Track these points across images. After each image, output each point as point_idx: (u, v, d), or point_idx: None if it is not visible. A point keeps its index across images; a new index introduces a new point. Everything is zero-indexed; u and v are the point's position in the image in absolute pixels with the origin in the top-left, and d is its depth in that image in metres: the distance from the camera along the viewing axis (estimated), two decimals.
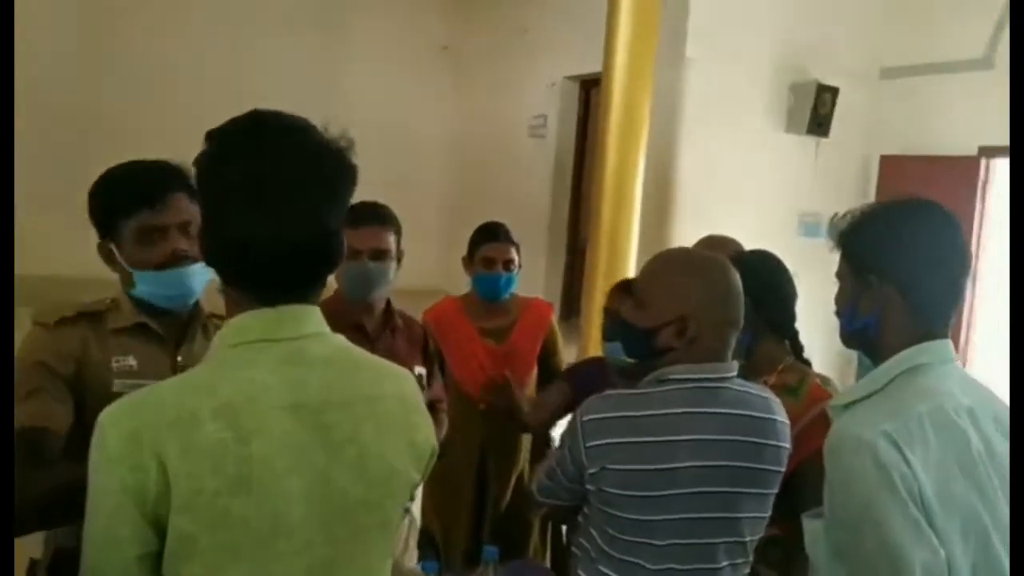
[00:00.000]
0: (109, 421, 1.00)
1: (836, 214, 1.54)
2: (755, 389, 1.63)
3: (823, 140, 6.69)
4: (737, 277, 1.60)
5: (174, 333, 1.71)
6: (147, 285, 1.64)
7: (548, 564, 2.75)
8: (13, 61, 1.20)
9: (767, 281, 2.01)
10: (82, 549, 1.01)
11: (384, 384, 1.15)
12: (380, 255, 2.25)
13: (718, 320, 1.56)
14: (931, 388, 1.39)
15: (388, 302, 2.37)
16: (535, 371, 2.87)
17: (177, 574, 1.00)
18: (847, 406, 1.43)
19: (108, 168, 1.68)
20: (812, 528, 1.45)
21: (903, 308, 1.41)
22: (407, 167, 8.47)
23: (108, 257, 1.66)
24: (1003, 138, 6.68)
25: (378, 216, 2.28)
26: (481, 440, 2.69)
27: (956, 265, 1.44)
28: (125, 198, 1.62)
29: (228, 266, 1.09)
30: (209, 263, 1.11)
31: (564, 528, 2.85)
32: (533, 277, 7.16)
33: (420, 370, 2.37)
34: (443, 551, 2.74)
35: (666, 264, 1.64)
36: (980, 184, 6.38)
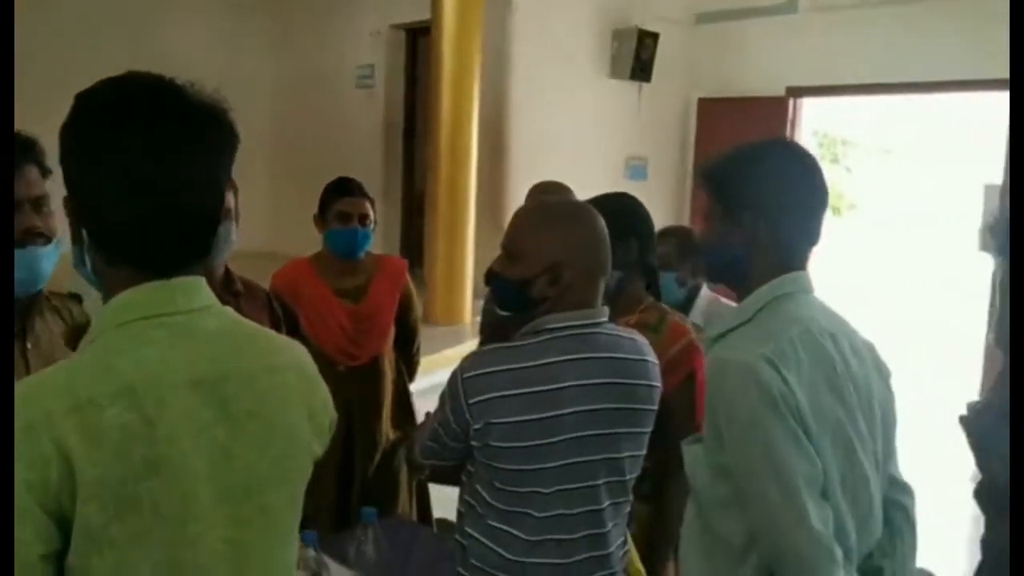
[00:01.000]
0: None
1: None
2: (625, 332, 1.68)
3: (646, 85, 6.91)
4: (603, 223, 1.63)
5: (18, 320, 1.55)
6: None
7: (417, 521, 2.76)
8: (13, 61, 1.12)
9: (632, 221, 2.06)
10: None
11: (281, 355, 1.11)
12: (225, 215, 2.15)
13: (589, 266, 1.59)
14: (798, 315, 1.48)
15: (227, 267, 2.26)
16: (393, 331, 2.83)
17: (87, 568, 0.93)
18: (719, 336, 1.51)
19: None
20: (692, 453, 1.52)
21: (770, 242, 1.49)
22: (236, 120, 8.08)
23: None
24: (808, 79, 7.15)
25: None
26: (344, 402, 2.63)
27: (817, 201, 1.52)
28: None
29: (117, 243, 1.01)
30: (92, 241, 1.02)
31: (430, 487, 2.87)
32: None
33: None
34: (312, 518, 2.68)
35: (534, 216, 1.64)
36: (789, 122, 6.82)
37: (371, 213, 2.70)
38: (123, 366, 0.95)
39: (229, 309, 1.09)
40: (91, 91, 1.00)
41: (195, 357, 1.00)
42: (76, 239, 1.05)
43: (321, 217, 2.69)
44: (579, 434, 1.54)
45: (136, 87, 1.00)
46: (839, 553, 1.36)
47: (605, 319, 1.62)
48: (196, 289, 1.04)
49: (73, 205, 1.02)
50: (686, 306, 2.91)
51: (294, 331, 2.56)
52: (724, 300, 2.76)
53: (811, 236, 1.52)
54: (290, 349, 1.14)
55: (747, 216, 1.49)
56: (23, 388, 0.95)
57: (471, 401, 1.51)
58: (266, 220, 8.88)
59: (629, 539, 1.76)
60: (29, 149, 1.49)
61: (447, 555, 2.05)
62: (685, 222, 7.39)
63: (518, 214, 1.66)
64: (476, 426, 1.52)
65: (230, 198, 2.13)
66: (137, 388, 0.94)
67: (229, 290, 2.24)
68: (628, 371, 1.60)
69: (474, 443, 1.54)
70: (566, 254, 1.56)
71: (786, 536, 1.36)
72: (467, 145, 5.55)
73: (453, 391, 1.54)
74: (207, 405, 0.99)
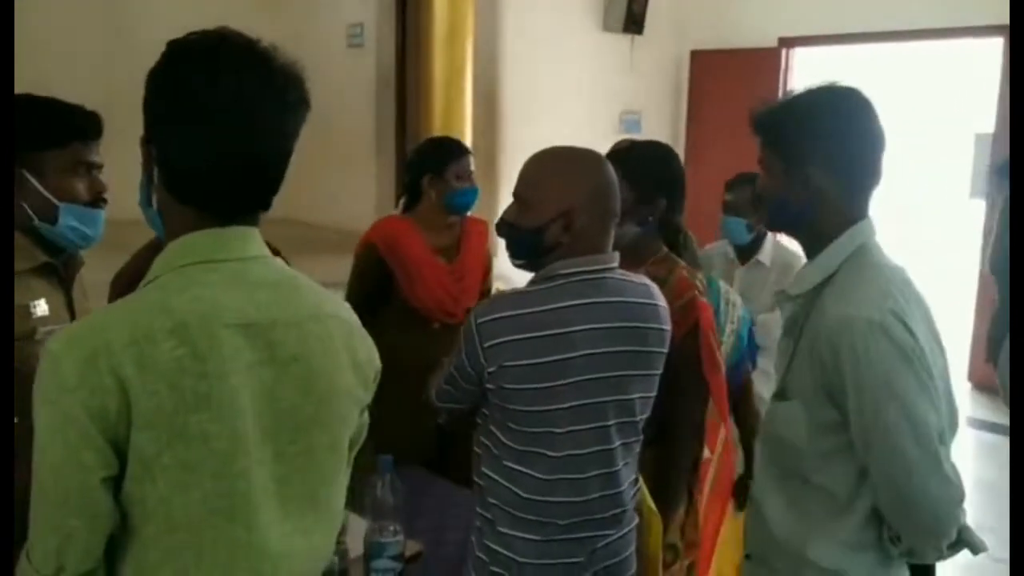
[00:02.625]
0: (62, 349, 0.98)
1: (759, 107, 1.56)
2: (634, 277, 1.71)
3: (638, 38, 6.88)
4: (611, 168, 1.66)
5: (69, 274, 1.68)
6: (74, 220, 1.58)
7: None
8: (13, 61, 1.16)
9: (664, 179, 2.10)
10: (36, 482, 0.98)
11: (325, 305, 1.16)
12: None
13: (600, 212, 1.62)
14: (884, 262, 1.50)
15: None
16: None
17: (141, 494, 0.99)
18: (806, 294, 1.52)
19: (18, 95, 1.55)
20: (787, 411, 1.52)
21: (839, 194, 1.49)
22: None
23: (19, 183, 1.56)
24: (800, 29, 7.13)
25: None
26: (436, 359, 2.63)
27: (880, 144, 1.52)
28: (58, 127, 1.58)
29: (186, 185, 1.07)
30: (162, 179, 1.08)
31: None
32: (365, 192, 7.05)
33: None
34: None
35: (545, 162, 1.67)
36: (781, 72, 6.80)
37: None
38: (178, 305, 1.01)
39: (280, 260, 1.15)
40: (185, 40, 1.06)
41: (245, 302, 1.06)
42: (147, 179, 1.11)
43: (440, 178, 2.67)
44: (590, 376, 1.58)
45: (228, 41, 1.06)
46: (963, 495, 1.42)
47: (615, 264, 1.65)
48: (250, 239, 1.10)
49: (150, 145, 1.07)
50: (752, 248, 3.08)
51: (387, 288, 2.60)
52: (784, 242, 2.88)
53: (876, 179, 1.53)
54: (333, 301, 1.19)
55: (813, 171, 1.48)
56: (87, 320, 1.02)
57: (485, 345, 1.55)
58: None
59: (640, 478, 1.82)
60: (99, 122, 1.66)
61: (462, 499, 2.11)
62: None
63: (529, 162, 1.68)
64: (490, 369, 1.56)
65: None
66: (190, 325, 1.00)
67: None
68: (638, 314, 1.64)
69: (488, 386, 1.59)
70: (579, 200, 1.59)
71: (925, 484, 1.38)
72: (461, 101, 5.54)
73: (468, 335, 1.59)
74: (255, 347, 1.05)
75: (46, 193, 1.56)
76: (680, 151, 7.48)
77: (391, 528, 1.85)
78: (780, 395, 1.57)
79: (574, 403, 1.58)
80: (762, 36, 6.79)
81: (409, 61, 7.02)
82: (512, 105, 6.31)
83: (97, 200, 1.64)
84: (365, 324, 2.78)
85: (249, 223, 1.10)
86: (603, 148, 2.28)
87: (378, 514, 1.89)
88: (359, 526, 1.89)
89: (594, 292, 1.60)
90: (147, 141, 1.08)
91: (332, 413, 1.14)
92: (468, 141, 5.73)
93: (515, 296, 1.61)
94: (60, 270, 1.64)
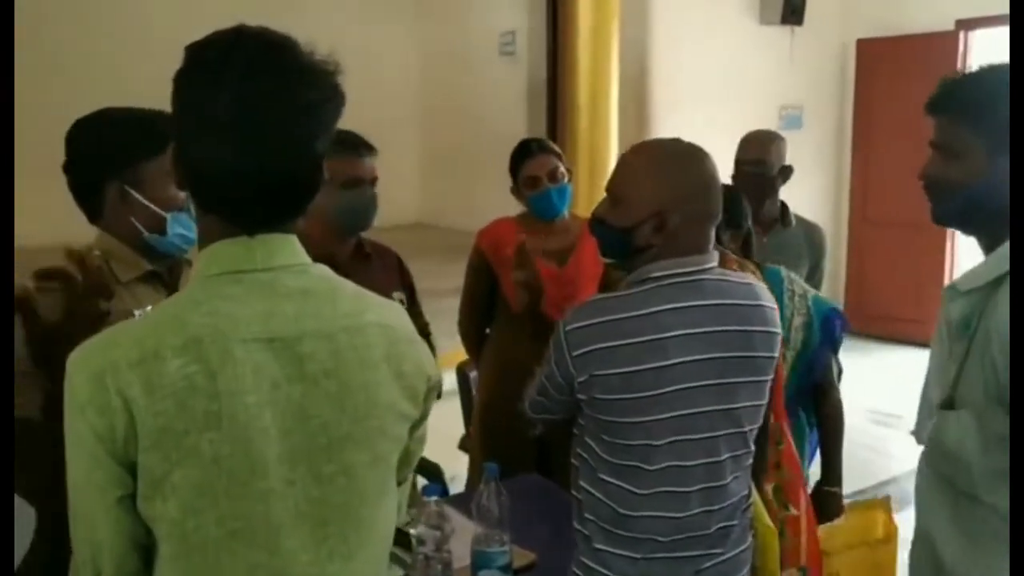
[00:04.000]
0: (75, 365, 0.97)
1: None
2: (737, 277, 1.60)
3: (798, 29, 6.55)
4: (714, 166, 1.55)
5: (173, 280, 1.71)
6: (181, 227, 1.61)
7: None
8: (13, 61, 1.16)
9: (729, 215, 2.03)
10: (69, 496, 1.00)
11: (366, 314, 1.09)
12: (375, 182, 2.22)
13: (697, 212, 1.51)
14: None
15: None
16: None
17: (153, 514, 0.98)
18: (971, 291, 1.38)
19: (100, 111, 1.62)
20: (959, 422, 1.39)
21: (1008, 179, 1.33)
22: (373, 98, 8.29)
23: (121, 198, 1.60)
24: (981, 9, 6.56)
25: (370, 144, 2.22)
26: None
27: None
28: (149, 136, 1.57)
29: (207, 193, 1.04)
30: (186, 188, 1.06)
31: None
32: (514, 201, 7.10)
33: (399, 296, 2.35)
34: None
35: (639, 158, 1.58)
36: (960, 58, 6.27)
37: (560, 166, 2.59)
38: (194, 319, 0.98)
39: (320, 268, 1.09)
40: (199, 42, 1.02)
41: (270, 314, 1.00)
42: (180, 188, 1.10)
43: (516, 187, 2.63)
44: (689, 385, 1.48)
45: (239, 38, 1.01)
46: None
47: (714, 264, 1.54)
48: (281, 246, 1.04)
49: (174, 152, 1.04)
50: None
51: (492, 291, 2.59)
52: None
53: None
54: (379, 308, 1.12)
55: (1004, 157, 1.33)
56: (103, 335, 1.00)
57: (574, 353, 1.49)
58: (416, 192, 9.13)
59: (754, 493, 1.70)
60: None
61: (568, 509, 2.05)
62: (845, 173, 6.99)
63: (624, 156, 1.60)
64: (580, 379, 1.49)
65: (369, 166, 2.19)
66: (204, 341, 0.96)
67: (359, 254, 2.31)
68: (741, 317, 1.53)
69: (580, 396, 1.52)
70: (672, 200, 1.49)
71: None
72: (606, 103, 5.45)
73: (557, 344, 1.52)
74: (281, 363, 1.00)
75: (152, 206, 1.59)
76: (846, 147, 7.05)
77: (498, 538, 1.82)
78: (948, 404, 1.42)
79: (673, 413, 1.48)
80: (937, 19, 6.29)
81: (560, 67, 7.01)
82: (662, 106, 6.16)
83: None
84: (478, 329, 2.74)
85: (280, 230, 1.05)
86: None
87: (484, 523, 1.86)
88: (467, 533, 1.87)
89: (690, 295, 1.50)
90: (173, 147, 1.05)
91: (371, 429, 1.06)
92: (615, 144, 5.64)
93: (605, 301, 1.53)
94: (164, 276, 1.68)
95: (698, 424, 1.50)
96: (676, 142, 1.56)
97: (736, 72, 6.36)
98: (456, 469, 2.95)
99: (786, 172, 2.81)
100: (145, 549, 1.01)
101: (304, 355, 1.02)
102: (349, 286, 1.11)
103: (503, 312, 2.60)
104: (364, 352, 1.06)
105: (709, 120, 5.66)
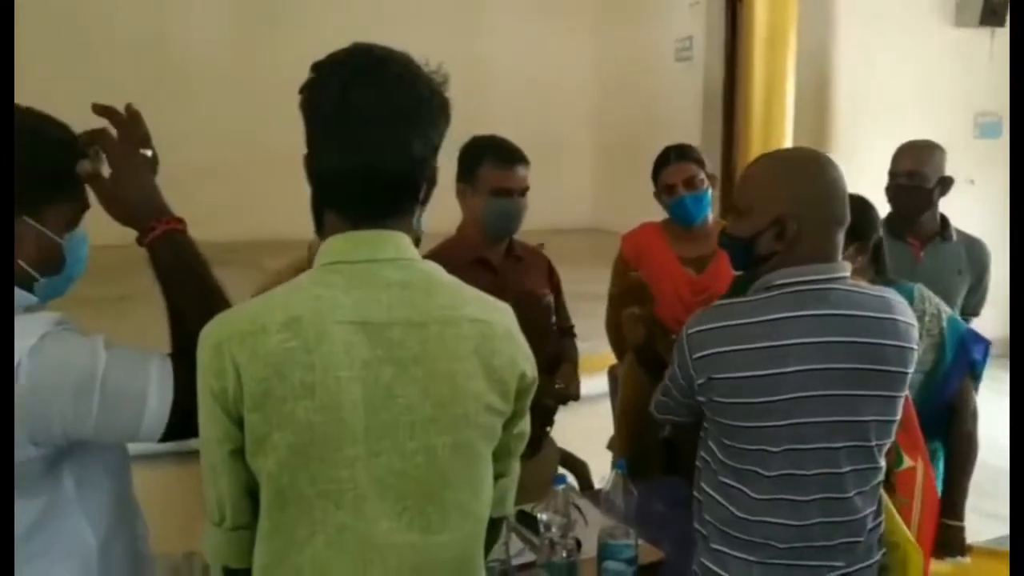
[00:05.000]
0: (203, 334, 1.10)
1: None
2: (871, 289, 1.58)
3: (999, 30, 6.13)
4: (839, 171, 1.54)
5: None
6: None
7: None
8: (13, 61, 1.24)
9: (857, 227, 1.98)
10: (201, 450, 1.15)
11: (462, 308, 1.17)
12: (525, 192, 2.34)
13: (820, 218, 1.51)
14: None
15: (512, 237, 2.44)
16: None
17: (257, 467, 1.10)
18: None
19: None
20: None
21: None
22: (550, 103, 8.48)
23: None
24: None
25: (524, 156, 2.34)
26: None
27: None
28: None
29: (322, 189, 1.17)
30: (311, 186, 1.19)
31: None
32: None
33: (548, 298, 2.45)
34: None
35: (760, 167, 1.60)
36: None
37: (699, 174, 2.61)
38: (298, 301, 1.10)
39: (425, 264, 1.19)
40: (324, 59, 1.15)
41: (366, 301, 1.11)
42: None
43: (657, 193, 2.69)
44: (808, 393, 1.49)
45: (349, 53, 1.14)
46: None
47: (844, 274, 1.54)
48: (385, 242, 1.15)
49: (305, 154, 1.17)
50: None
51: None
52: None
53: None
54: (478, 304, 1.19)
55: None
56: (230, 310, 1.15)
57: (694, 356, 1.53)
58: (591, 196, 9.22)
59: (886, 509, 1.67)
60: None
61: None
62: None
63: (747, 168, 1.63)
64: (699, 381, 1.53)
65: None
66: (303, 320, 1.08)
67: (510, 255, 2.44)
68: (871, 329, 1.51)
69: (700, 398, 1.56)
70: (792, 207, 1.51)
71: None
72: (781, 112, 5.33)
73: (679, 346, 1.57)
74: (372, 345, 1.10)
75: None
76: None
77: (623, 531, 1.88)
78: None
79: (791, 421, 1.49)
80: None
81: (737, 74, 6.92)
82: (843, 112, 5.94)
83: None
84: (621, 332, 2.75)
85: (386, 226, 1.15)
86: (957, 156, 2.06)
87: (611, 517, 1.93)
88: (596, 524, 1.95)
89: (815, 304, 1.50)
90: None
91: (455, 415, 1.14)
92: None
93: (727, 307, 1.56)
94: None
95: (815, 434, 1.50)
96: (798, 150, 1.58)
97: (927, 79, 6.03)
98: (607, 468, 3.03)
99: (945, 184, 2.69)
100: (257, 498, 1.14)
101: (394, 341, 1.11)
102: (449, 282, 1.20)
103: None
104: (453, 343, 1.14)
105: (897, 131, 5.40)
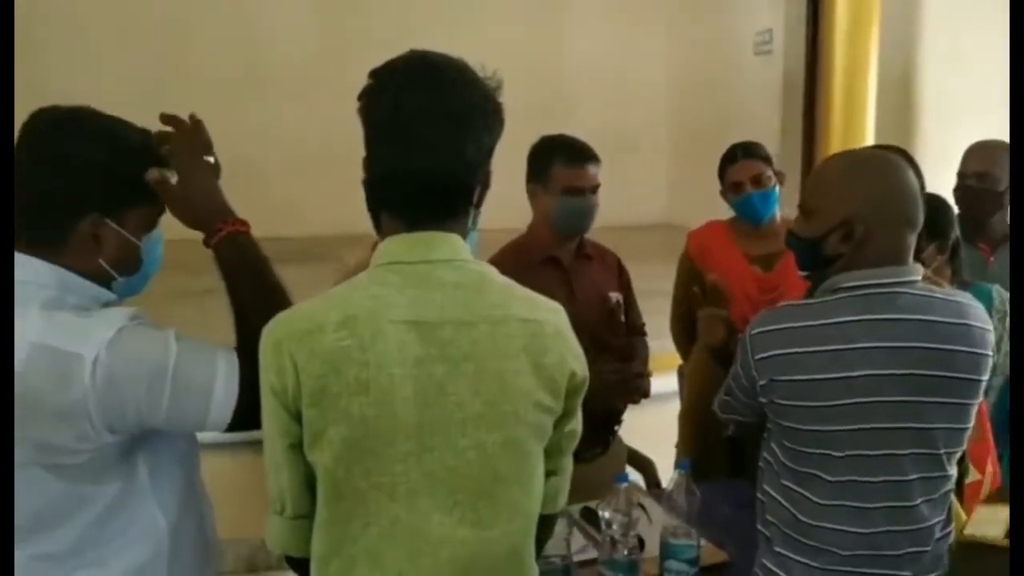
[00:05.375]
0: (264, 333, 1.16)
1: None
2: (943, 293, 1.54)
3: None
4: (910, 172, 1.51)
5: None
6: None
7: None
8: (13, 62, 1.29)
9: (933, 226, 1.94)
10: (264, 444, 1.21)
11: (512, 308, 1.19)
12: (595, 190, 2.35)
13: (889, 219, 1.48)
14: None
15: (583, 236, 2.46)
16: None
17: (313, 459, 1.16)
18: None
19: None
20: None
21: None
22: (625, 99, 8.43)
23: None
24: None
25: (594, 154, 2.35)
26: None
27: None
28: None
29: (375, 193, 1.21)
30: (366, 189, 1.23)
31: None
32: None
33: (617, 296, 2.45)
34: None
35: (829, 166, 1.58)
36: None
37: (766, 171, 2.59)
38: (355, 300, 1.15)
39: (479, 265, 1.22)
40: (380, 66, 1.19)
41: (419, 301, 1.15)
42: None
43: (723, 191, 2.68)
44: (874, 399, 1.47)
45: (405, 59, 1.19)
46: None
47: (914, 277, 1.51)
48: (439, 243, 1.18)
49: (364, 158, 1.22)
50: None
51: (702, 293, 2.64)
52: None
53: None
54: (528, 304, 1.22)
55: None
56: (284, 313, 1.19)
57: (756, 357, 1.53)
58: (665, 192, 9.14)
59: (956, 517, 1.64)
60: None
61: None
62: None
63: (817, 166, 1.62)
64: (761, 382, 1.53)
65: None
66: (359, 319, 1.13)
67: (580, 254, 2.45)
68: (942, 335, 1.48)
69: (761, 400, 1.55)
70: (860, 207, 1.48)
71: None
72: (863, 105, 5.20)
73: (742, 346, 1.57)
74: (424, 344, 1.14)
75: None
76: None
77: (685, 531, 1.88)
78: None
79: (855, 426, 1.48)
80: None
81: (818, 66, 6.76)
82: (929, 107, 5.74)
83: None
84: (686, 331, 2.76)
85: (441, 228, 1.19)
86: None
87: (673, 516, 1.94)
88: (660, 523, 1.95)
89: (884, 307, 1.48)
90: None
91: (505, 413, 1.17)
92: (868, 144, 5.36)
93: (792, 308, 1.55)
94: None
95: (883, 440, 1.48)
96: (869, 149, 1.56)
97: None
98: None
99: None
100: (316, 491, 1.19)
101: (445, 339, 1.15)
102: (501, 283, 1.23)
103: None
104: (503, 342, 1.17)
105: (987, 128, 5.22)
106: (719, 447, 2.48)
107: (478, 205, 1.25)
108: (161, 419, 1.22)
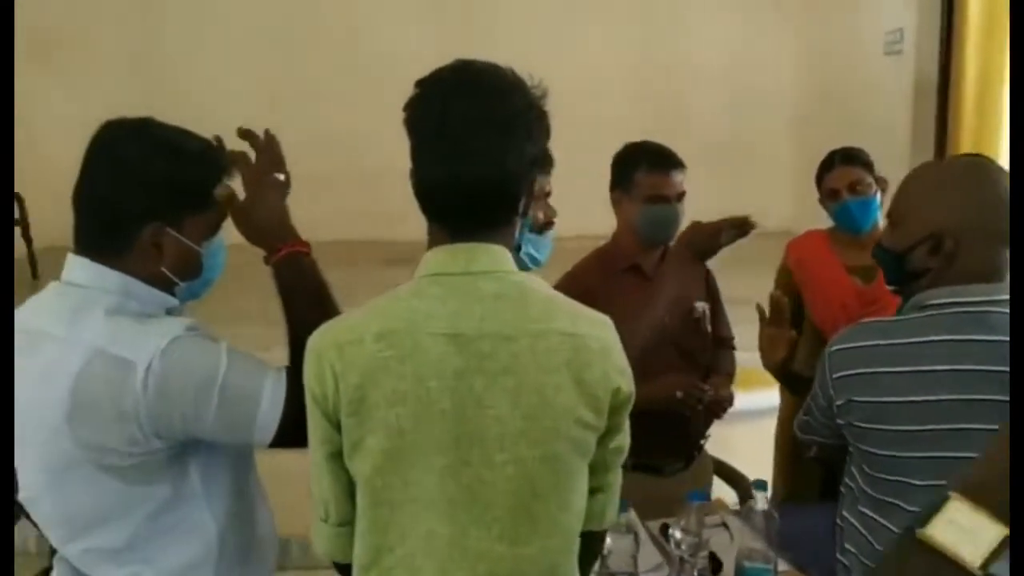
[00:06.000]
0: (308, 343, 1.17)
1: None
2: None
3: None
4: (1004, 182, 1.39)
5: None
6: (530, 247, 1.88)
7: None
8: (13, 62, 1.31)
9: None
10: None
11: (554, 321, 1.16)
12: (681, 198, 2.29)
13: (982, 233, 1.37)
14: None
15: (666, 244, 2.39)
16: None
17: (353, 468, 1.16)
18: None
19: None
20: None
21: None
22: (749, 102, 8.19)
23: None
24: None
25: (679, 161, 2.29)
26: None
27: None
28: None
29: (424, 201, 1.19)
30: (416, 199, 1.22)
31: None
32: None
33: (702, 306, 2.37)
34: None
35: (919, 175, 1.47)
36: None
37: (866, 178, 2.47)
38: (395, 311, 1.15)
39: (520, 276, 1.19)
40: (427, 76, 1.19)
41: (459, 313, 1.13)
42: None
43: (820, 196, 2.57)
44: (958, 426, 1.36)
45: (450, 69, 1.17)
46: None
47: (1006, 296, 1.39)
48: (482, 254, 1.16)
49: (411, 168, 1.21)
50: None
51: (798, 307, 2.53)
52: None
53: None
54: (571, 318, 1.18)
55: None
56: (328, 323, 1.20)
57: (835, 376, 1.44)
58: (790, 198, 8.83)
59: None
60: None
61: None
62: None
63: (906, 176, 1.51)
64: (839, 402, 1.44)
65: None
66: (399, 331, 1.12)
67: (665, 261, 2.39)
68: None
69: (839, 421, 1.47)
70: (950, 220, 1.38)
71: None
72: (996, 109, 4.87)
73: (820, 364, 1.49)
74: (463, 356, 1.12)
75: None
76: None
77: (762, 554, 1.80)
78: None
79: (938, 454, 1.37)
80: None
81: (951, 67, 6.39)
82: None
83: (548, 225, 1.84)
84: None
85: (484, 238, 1.16)
86: None
87: (751, 538, 1.85)
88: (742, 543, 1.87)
89: (972, 328, 1.37)
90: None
91: (545, 429, 1.14)
92: (1002, 148, 5.02)
93: (875, 325, 1.46)
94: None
95: None
96: (964, 158, 1.45)
97: None
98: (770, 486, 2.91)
99: None
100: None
101: (484, 352, 1.13)
102: (543, 295, 1.20)
103: (807, 330, 2.51)
104: (543, 356, 1.14)
105: None
106: (811, 468, 2.36)
107: (524, 214, 1.22)
108: (207, 430, 1.25)
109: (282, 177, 1.37)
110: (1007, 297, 1.39)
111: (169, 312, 1.33)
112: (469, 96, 1.14)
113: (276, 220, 1.35)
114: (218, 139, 1.36)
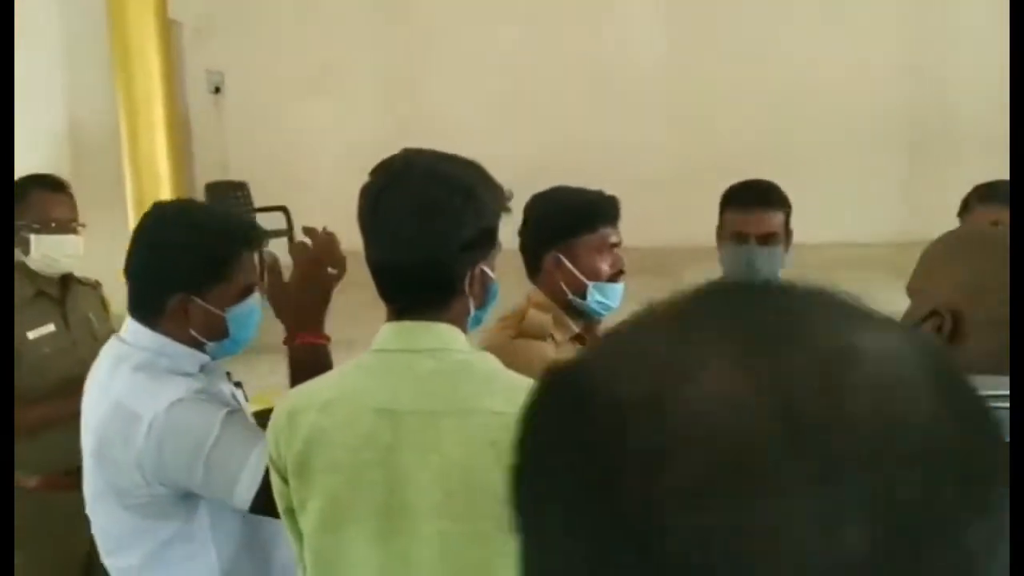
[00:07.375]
0: (275, 406, 1.28)
1: None
2: None
3: None
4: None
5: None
6: (599, 295, 1.86)
7: None
8: (13, 64, 1.41)
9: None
10: None
11: (485, 399, 1.16)
12: (767, 239, 2.13)
13: (988, 316, 1.22)
14: None
15: None
16: None
17: (302, 524, 1.24)
18: None
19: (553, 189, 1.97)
20: None
21: None
22: (860, 113, 7.88)
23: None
24: None
25: (770, 199, 2.16)
26: None
27: None
28: (591, 213, 1.88)
29: (374, 282, 1.25)
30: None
31: None
32: None
33: None
34: None
35: (936, 244, 1.35)
36: None
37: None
38: (341, 383, 1.25)
39: (470, 355, 1.22)
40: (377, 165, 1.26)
41: (391, 389, 1.19)
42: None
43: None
44: None
45: (392, 160, 1.25)
46: None
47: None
48: (422, 332, 1.21)
49: None
50: None
51: None
52: None
53: None
54: (508, 396, 1.11)
55: None
56: (290, 392, 1.33)
57: None
58: (899, 207, 8.43)
59: None
60: (618, 205, 1.88)
61: None
62: None
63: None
64: None
65: (779, 221, 2.11)
66: (340, 402, 1.20)
67: None
68: None
69: None
70: (951, 298, 1.25)
71: None
72: None
73: None
74: (394, 430, 1.17)
75: (579, 275, 1.82)
76: None
77: None
78: None
79: None
80: None
81: None
82: None
83: (617, 275, 1.86)
84: None
85: (432, 317, 1.20)
86: None
87: None
88: None
89: None
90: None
91: (468, 505, 1.15)
92: None
93: None
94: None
95: None
96: (987, 228, 1.33)
97: None
98: None
99: None
100: None
101: (413, 428, 1.17)
102: (484, 372, 1.21)
103: None
104: (469, 435, 1.15)
105: None
106: None
107: (474, 295, 1.24)
108: (196, 487, 1.40)
109: (335, 271, 1.50)
110: (1007, 392, 1.27)
111: (203, 368, 1.51)
112: (400, 187, 1.21)
113: (308, 311, 1.49)
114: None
